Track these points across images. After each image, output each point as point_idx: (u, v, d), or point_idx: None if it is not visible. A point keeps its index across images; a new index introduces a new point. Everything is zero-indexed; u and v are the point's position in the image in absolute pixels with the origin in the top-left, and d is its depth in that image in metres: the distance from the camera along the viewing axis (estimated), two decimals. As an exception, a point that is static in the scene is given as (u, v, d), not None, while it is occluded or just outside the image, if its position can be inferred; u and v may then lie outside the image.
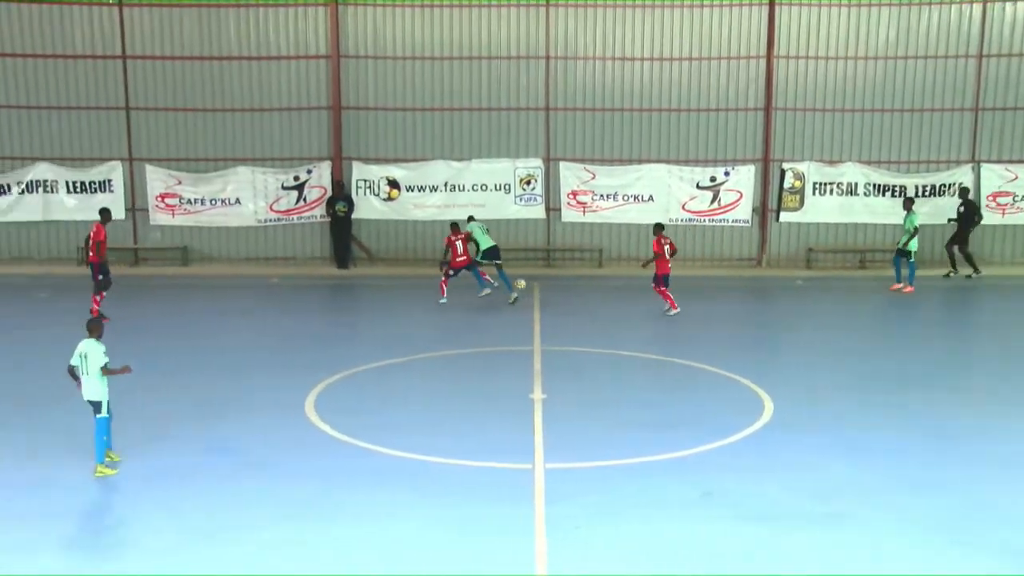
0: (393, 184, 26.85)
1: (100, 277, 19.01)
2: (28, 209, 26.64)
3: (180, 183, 26.73)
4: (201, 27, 26.17)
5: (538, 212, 26.99)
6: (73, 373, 10.79)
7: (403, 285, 23.61)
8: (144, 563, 8.69)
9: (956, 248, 25.29)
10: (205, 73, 26.40)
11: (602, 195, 26.81)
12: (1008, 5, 25.91)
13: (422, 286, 22.50)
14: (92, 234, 19.08)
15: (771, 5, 25.85)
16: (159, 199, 26.78)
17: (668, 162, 26.73)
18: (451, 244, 21.17)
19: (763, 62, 26.22)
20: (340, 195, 26.39)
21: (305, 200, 26.92)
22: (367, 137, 26.84)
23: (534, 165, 26.84)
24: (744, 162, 26.70)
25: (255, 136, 26.76)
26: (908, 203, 23.56)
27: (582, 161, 26.77)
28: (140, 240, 27.15)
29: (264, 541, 9.03)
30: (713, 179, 26.69)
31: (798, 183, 26.79)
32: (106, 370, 10.64)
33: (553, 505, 9.75)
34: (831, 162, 26.72)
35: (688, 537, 9.15)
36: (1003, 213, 26.79)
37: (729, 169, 26.68)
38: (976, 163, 26.64)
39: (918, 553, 8.83)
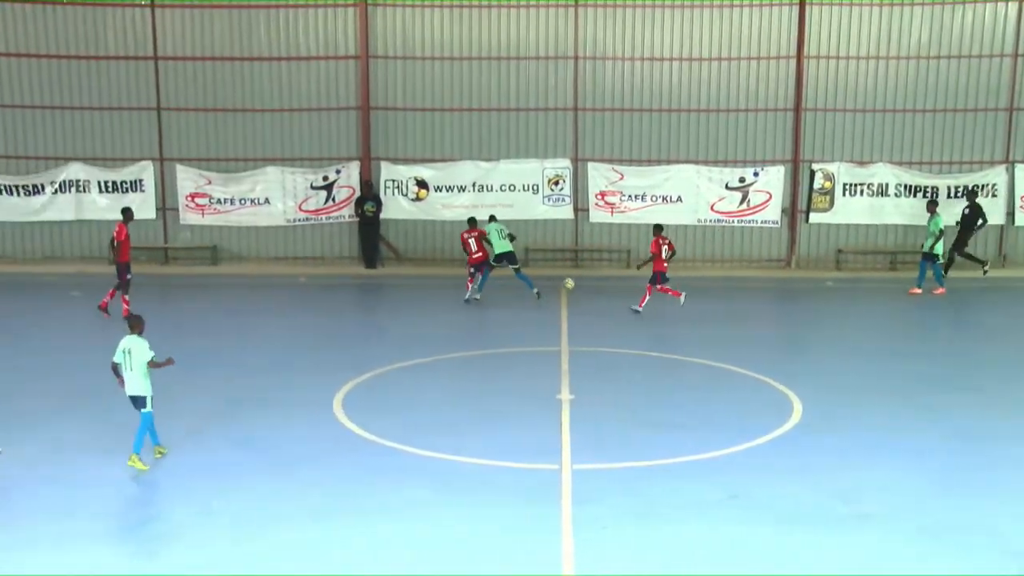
0: (421, 184, 26.91)
1: (127, 277, 19.19)
2: (61, 209, 26.90)
3: (210, 183, 26.91)
4: (231, 28, 26.34)
5: (566, 212, 26.95)
6: (116, 370, 10.96)
7: (431, 285, 23.64)
8: (174, 559, 8.76)
9: (954, 250, 24.77)
10: (235, 74, 26.57)
11: (630, 196, 26.73)
12: (1043, 4, 25.62)
13: (450, 286, 22.53)
14: (115, 234, 19.28)
15: (801, 5, 25.69)
16: (189, 199, 26.98)
17: (697, 163, 26.62)
18: (464, 241, 21.50)
19: (793, 62, 26.05)
20: (368, 195, 26.48)
21: (334, 200, 27.03)
22: (395, 137, 26.91)
23: (562, 165, 26.81)
24: (773, 163, 26.55)
25: (284, 136, 26.90)
26: (932, 206, 23.33)
27: (610, 161, 26.72)
28: (170, 239, 27.36)
29: (292, 539, 9.08)
30: (742, 180, 26.55)
31: (828, 184, 26.60)
32: (153, 363, 10.83)
33: (580, 506, 9.73)
34: (861, 163, 26.52)
35: (715, 538, 9.11)
36: (1037, 215, 26.51)
37: (758, 170, 26.53)
38: (1010, 164, 26.34)
39: (946, 556, 8.74)
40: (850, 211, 26.67)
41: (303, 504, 9.87)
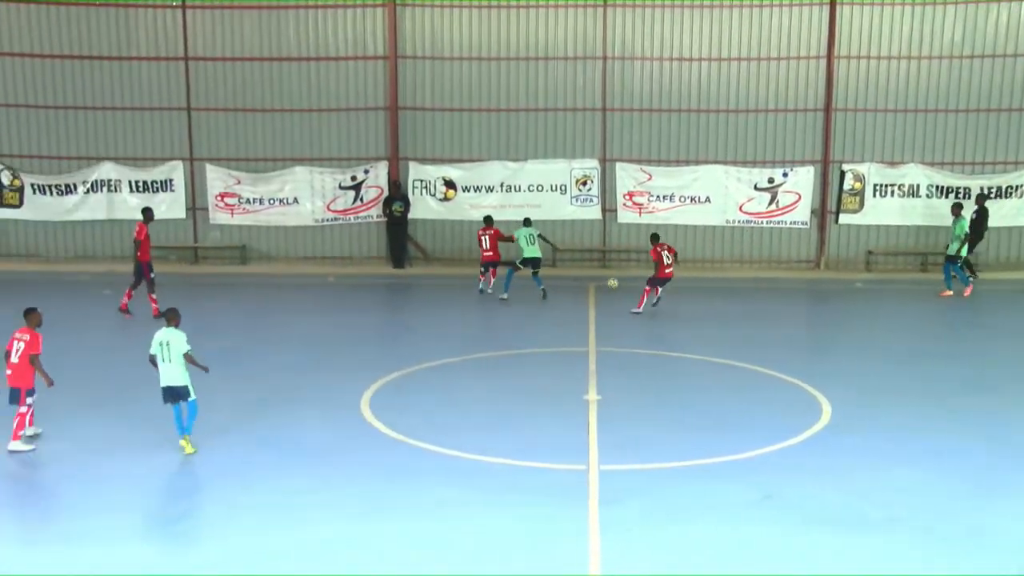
0: (449, 184, 26.94)
1: (151, 276, 19.35)
2: (92, 208, 27.12)
3: (239, 183, 27.06)
4: (261, 28, 26.47)
5: (594, 213, 26.89)
6: (153, 362, 11.25)
7: (458, 285, 23.65)
8: (202, 556, 8.82)
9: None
10: (264, 74, 26.70)
11: (658, 196, 26.63)
12: (1079, 2, 25.30)
13: (477, 286, 22.51)
14: (135, 233, 19.47)
15: (832, 4, 25.49)
16: (219, 198, 27.15)
17: (725, 163, 26.49)
18: (479, 239, 22.24)
19: (823, 62, 25.86)
20: (397, 195, 26.53)
21: (362, 200, 27.11)
22: (424, 137, 26.95)
23: (590, 166, 26.76)
24: (803, 163, 26.37)
25: (313, 136, 27.00)
26: (956, 209, 23.12)
27: (638, 162, 26.63)
28: (200, 239, 27.53)
29: (319, 537, 9.11)
30: (771, 180, 26.39)
31: (858, 184, 26.40)
32: (189, 356, 11.10)
33: (607, 507, 9.71)
34: (892, 163, 26.28)
35: (744, 540, 9.07)
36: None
37: (788, 170, 26.36)
38: (1045, 164, 26.06)
39: (976, 561, 8.65)
40: (880, 212, 26.45)
41: (330, 502, 9.91)
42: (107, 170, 27.03)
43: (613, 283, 21.70)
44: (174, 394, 11.21)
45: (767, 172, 26.39)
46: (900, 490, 10.28)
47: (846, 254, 26.87)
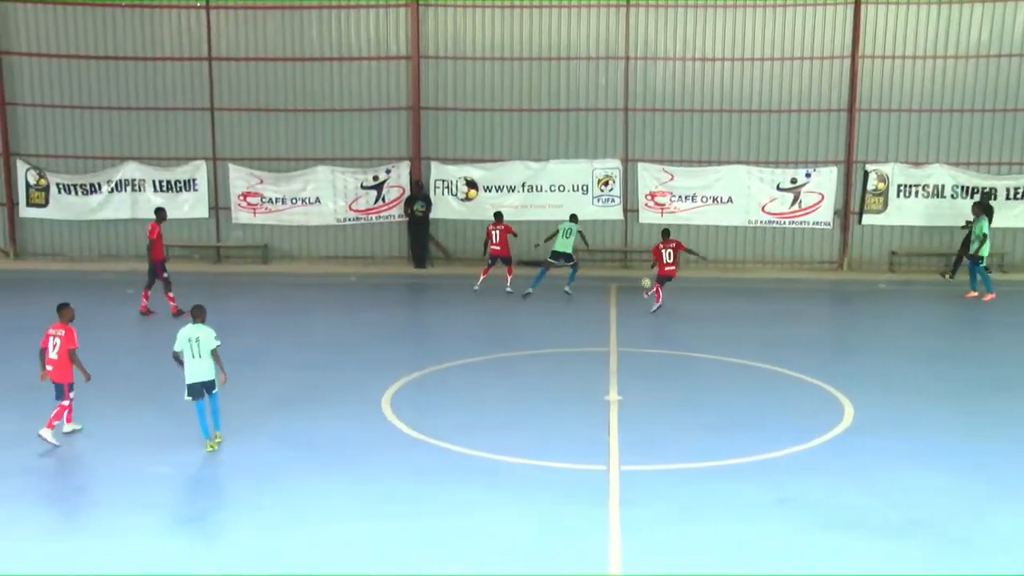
0: (471, 184, 26.96)
1: (164, 276, 19.46)
2: (117, 207, 27.29)
3: (262, 182, 27.16)
4: (284, 29, 26.57)
5: (616, 213, 26.83)
6: (177, 359, 11.38)
7: (483, 287, 23.64)
8: (224, 553, 8.86)
9: (961, 251, 24.50)
10: (287, 74, 26.80)
11: (680, 196, 26.53)
12: (1106, 1, 25.03)
13: (499, 286, 22.49)
14: (148, 233, 19.65)
15: (856, 4, 25.32)
16: (241, 198, 27.26)
17: (748, 163, 26.37)
18: (488, 233, 22.58)
19: (847, 62, 25.70)
20: (418, 195, 26.57)
21: (384, 200, 27.16)
22: (445, 137, 26.98)
23: (612, 166, 26.71)
24: (826, 163, 26.21)
25: (335, 136, 27.09)
26: (977, 208, 22.99)
27: (660, 162, 26.55)
28: (222, 238, 27.67)
29: (340, 536, 9.14)
30: (794, 180, 26.25)
31: (882, 185, 26.22)
32: (215, 354, 11.31)
33: (628, 507, 9.70)
34: (917, 164, 26.09)
35: (763, 541, 9.03)
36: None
37: (810, 171, 26.21)
38: (1073, 164, 25.82)
39: (997, 566, 8.57)
40: (904, 213, 26.26)
41: (352, 501, 9.94)
42: (131, 170, 27.19)
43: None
44: (206, 388, 11.38)
45: (790, 172, 26.26)
46: (922, 493, 10.21)
47: (869, 255, 26.70)
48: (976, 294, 22.30)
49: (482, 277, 22.55)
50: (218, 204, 27.38)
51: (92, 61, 26.77)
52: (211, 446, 11.34)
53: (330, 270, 26.32)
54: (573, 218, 22.99)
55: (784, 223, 26.52)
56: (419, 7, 26.17)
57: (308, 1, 26.33)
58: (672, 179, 26.48)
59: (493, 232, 22.52)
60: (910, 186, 26.16)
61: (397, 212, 27.11)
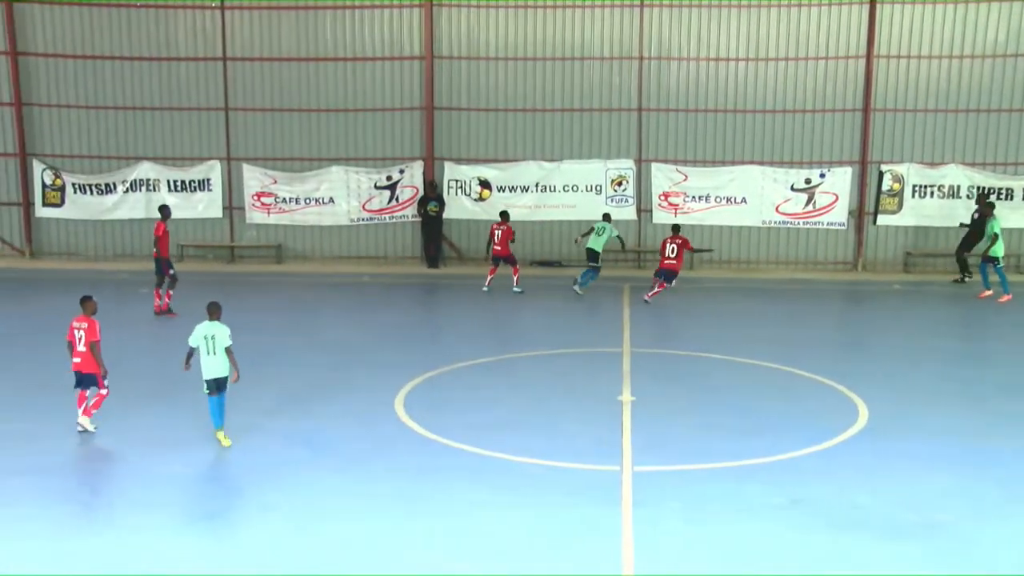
0: (484, 184, 26.96)
1: (171, 272, 19.56)
2: (131, 207, 27.39)
3: (275, 182, 27.23)
4: (298, 29, 26.63)
5: (629, 213, 26.79)
6: (190, 355, 11.57)
7: (493, 285, 23.65)
8: (235, 552, 8.88)
9: (960, 251, 24.52)
10: (301, 74, 26.85)
11: (694, 197, 26.48)
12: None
13: (512, 287, 22.52)
14: (155, 231, 19.83)
15: (872, 4, 25.21)
16: (255, 198, 27.33)
17: (762, 163, 26.29)
18: (491, 233, 22.77)
19: (862, 62, 25.60)
20: (432, 195, 26.59)
21: (397, 200, 27.20)
22: (459, 137, 26.99)
23: (625, 166, 26.67)
24: (841, 164, 26.12)
25: (349, 136, 27.13)
26: (988, 208, 22.91)
27: (674, 162, 26.50)
28: (236, 238, 27.75)
29: (351, 536, 9.15)
30: (808, 181, 26.16)
31: (897, 185, 26.11)
32: (229, 352, 11.42)
33: (641, 508, 9.68)
34: (932, 164, 25.97)
35: (776, 543, 9.00)
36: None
37: (825, 171, 26.12)
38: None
39: (1013, 569, 8.52)
40: (919, 213, 26.15)
41: (364, 501, 9.95)
42: (146, 170, 27.30)
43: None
44: (221, 385, 11.50)
45: (804, 173, 26.17)
46: (935, 495, 10.16)
47: (884, 256, 26.60)
48: (990, 293, 22.19)
49: (490, 277, 22.65)
50: (232, 204, 27.45)
51: (107, 61, 26.89)
52: (226, 440, 11.44)
53: (343, 270, 26.36)
54: (606, 217, 23.41)
55: (798, 224, 26.43)
56: (433, 7, 26.19)
57: (322, 1, 26.38)
58: (686, 179, 26.43)
59: (496, 231, 22.66)
60: (925, 186, 26.04)
61: (410, 212, 27.13)
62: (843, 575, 8.36)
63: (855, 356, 17.36)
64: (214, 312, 11.63)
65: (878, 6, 25.22)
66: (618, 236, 23.10)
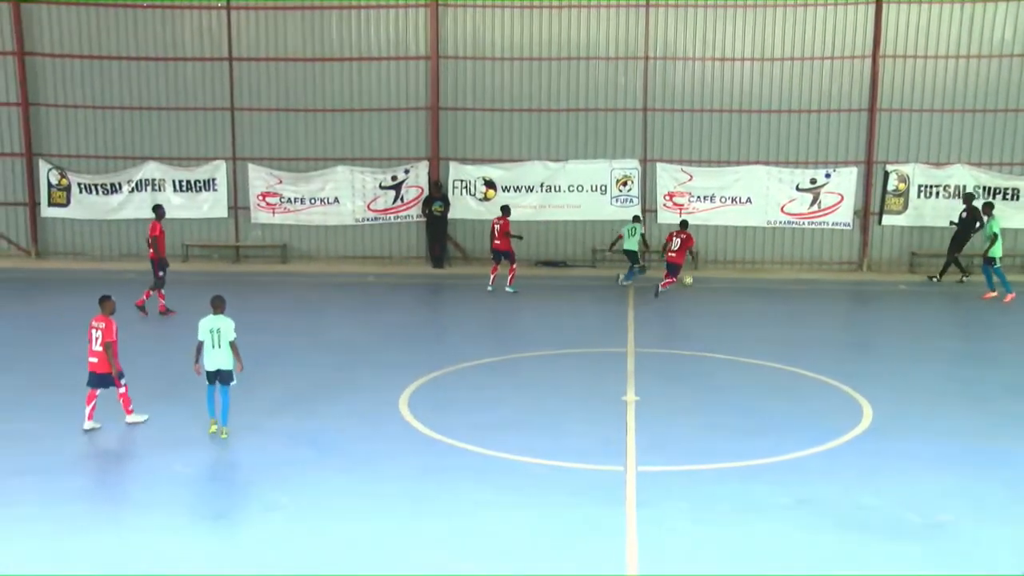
0: (489, 184, 26.96)
1: (160, 274, 19.52)
2: (137, 207, 27.40)
3: (281, 182, 27.25)
4: (304, 29, 26.65)
5: (634, 213, 26.76)
6: (199, 350, 11.70)
7: (497, 285, 23.65)
8: (238, 553, 8.88)
9: (950, 252, 24.55)
10: (307, 74, 26.87)
11: (699, 196, 26.47)
12: None
13: (517, 286, 22.50)
14: (150, 231, 19.82)
15: (878, 3, 25.17)
16: (260, 198, 27.36)
17: (767, 163, 26.27)
18: (491, 227, 22.98)
19: (868, 62, 25.56)
20: (437, 195, 26.60)
21: (402, 200, 27.20)
22: (464, 137, 26.99)
23: (631, 166, 26.66)
24: (846, 164, 26.08)
25: (354, 136, 27.15)
26: (988, 208, 22.89)
27: (679, 162, 26.48)
28: (241, 238, 27.77)
29: (355, 535, 9.15)
30: (813, 181, 26.12)
31: (902, 185, 26.06)
32: (233, 345, 11.59)
33: (645, 508, 9.67)
34: (938, 164, 25.92)
35: (781, 543, 8.98)
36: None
37: (830, 171, 26.08)
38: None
39: (1016, 567, 8.49)
40: (925, 213, 26.11)
41: (368, 501, 9.95)
42: (151, 169, 27.33)
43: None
44: (221, 376, 11.64)
45: (809, 173, 26.14)
46: (940, 495, 10.13)
47: (889, 256, 26.56)
48: (995, 294, 22.15)
49: (492, 276, 22.68)
50: (237, 204, 27.48)
51: (113, 62, 26.93)
52: (223, 432, 11.56)
53: (348, 270, 26.38)
54: (636, 219, 24.28)
55: (803, 224, 26.40)
56: (438, 7, 26.20)
57: (328, 1, 26.41)
58: (691, 179, 26.42)
59: (495, 225, 22.79)
60: (931, 187, 26.00)
61: (415, 212, 27.14)
62: (852, 575, 8.33)
63: (860, 356, 17.34)
64: (218, 306, 11.76)
65: (884, 6, 25.18)
66: (642, 235, 23.73)
